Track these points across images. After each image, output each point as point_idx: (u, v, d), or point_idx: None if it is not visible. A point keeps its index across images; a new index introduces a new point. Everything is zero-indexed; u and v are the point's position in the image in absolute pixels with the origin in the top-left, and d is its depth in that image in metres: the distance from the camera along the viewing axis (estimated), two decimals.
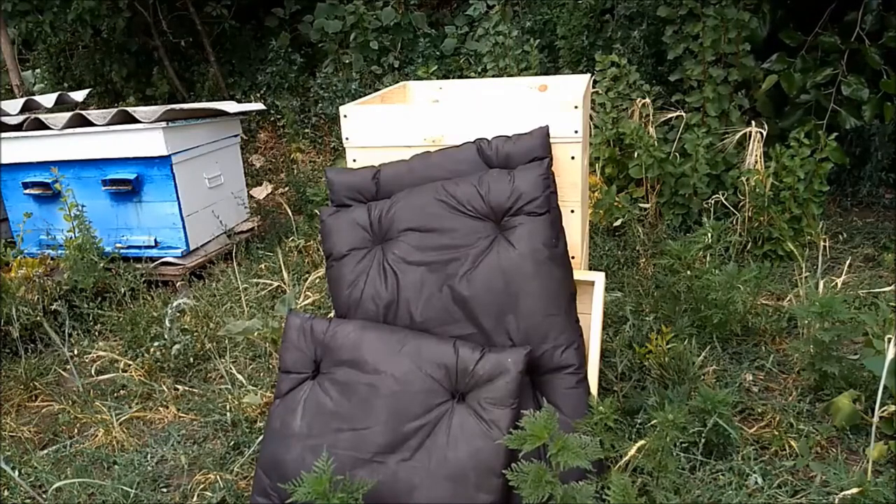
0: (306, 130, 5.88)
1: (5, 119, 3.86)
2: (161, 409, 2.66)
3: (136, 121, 3.62)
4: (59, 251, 3.65)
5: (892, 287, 3.01)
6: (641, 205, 3.80)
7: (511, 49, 4.57)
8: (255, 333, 2.73)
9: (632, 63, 4.15)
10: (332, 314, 2.21)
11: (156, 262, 3.80)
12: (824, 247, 3.24)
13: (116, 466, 2.31)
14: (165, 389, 2.76)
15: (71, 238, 3.51)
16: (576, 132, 2.08)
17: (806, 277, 2.98)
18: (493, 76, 4.61)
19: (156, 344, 2.89)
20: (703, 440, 2.05)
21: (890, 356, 1.87)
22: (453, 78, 5.40)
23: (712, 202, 3.56)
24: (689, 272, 2.88)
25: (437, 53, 5.96)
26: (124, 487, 2.15)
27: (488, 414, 1.75)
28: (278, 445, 1.90)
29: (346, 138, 2.27)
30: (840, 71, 3.74)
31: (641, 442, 1.87)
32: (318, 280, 3.27)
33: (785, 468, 2.04)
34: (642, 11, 4.67)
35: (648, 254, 3.45)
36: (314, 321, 1.99)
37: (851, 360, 2.39)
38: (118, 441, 2.46)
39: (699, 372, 2.47)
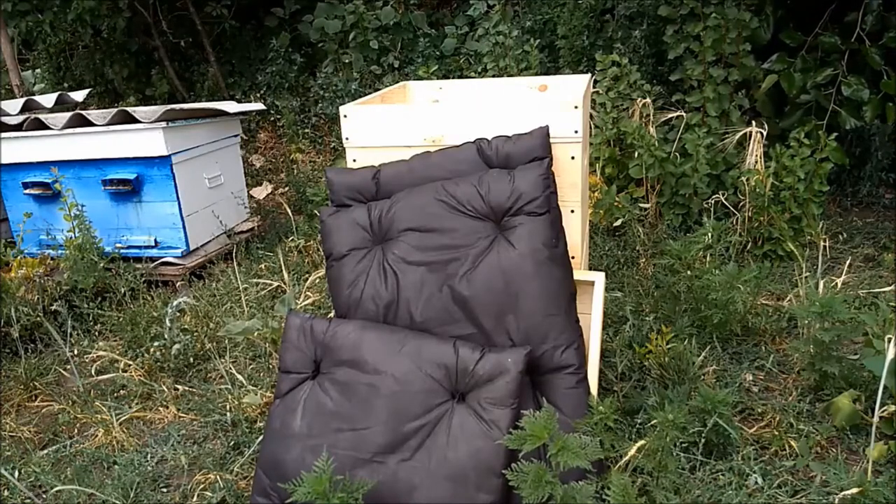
0: (306, 130, 5.88)
1: (5, 119, 3.86)
2: (161, 409, 2.66)
3: (136, 121, 3.62)
4: (59, 251, 3.65)
5: (892, 287, 3.01)
6: (641, 205, 3.80)
7: (511, 49, 4.57)
8: (255, 333, 2.73)
9: (632, 63, 4.15)
10: (332, 314, 2.21)
11: (156, 262, 3.79)
12: (824, 247, 3.24)
13: (116, 466, 2.31)
14: (165, 389, 2.76)
15: (71, 238, 3.51)
16: (576, 132, 2.08)
17: (806, 277, 2.98)
18: (493, 76, 4.61)
19: (156, 344, 2.89)
20: (703, 440, 2.05)
21: (890, 356, 1.87)
22: (453, 78, 5.40)
23: (712, 202, 3.56)
24: (689, 272, 2.88)
25: (437, 53, 5.96)
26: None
27: (488, 414, 1.75)
28: (278, 445, 1.90)
29: (346, 138, 2.27)
30: (840, 71, 3.73)
31: (641, 442, 1.87)
32: (318, 280, 3.27)
33: (785, 468, 2.04)
34: (643, 11, 4.67)
35: (648, 254, 3.45)
36: (314, 321, 1.99)
37: (851, 360, 2.39)
38: (118, 441, 2.46)
39: (699, 372, 2.47)
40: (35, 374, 2.94)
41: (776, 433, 2.16)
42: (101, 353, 3.04)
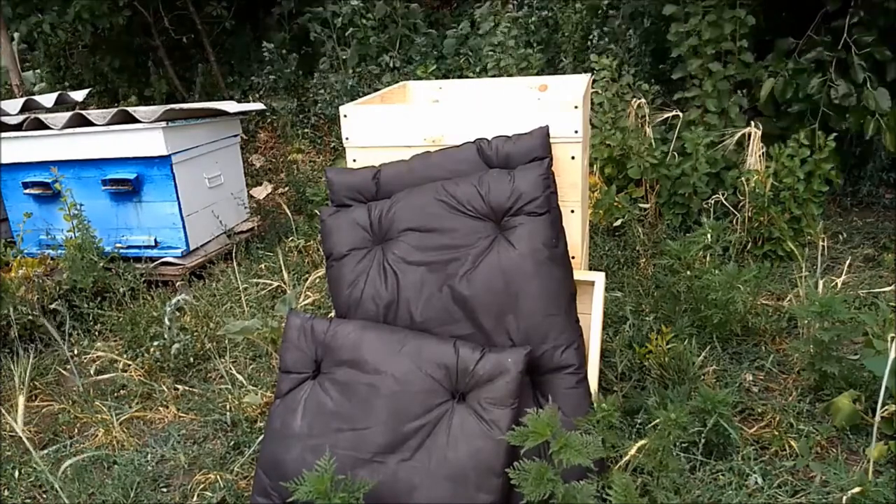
0: (306, 130, 5.87)
1: (5, 119, 3.86)
2: (161, 409, 2.66)
3: (136, 120, 3.61)
4: (59, 251, 3.64)
5: (892, 287, 3.02)
6: (641, 205, 3.80)
7: (511, 49, 4.57)
8: (255, 333, 2.73)
9: (630, 63, 4.14)
10: (332, 314, 2.21)
11: (156, 262, 3.79)
12: (824, 247, 3.24)
13: (116, 466, 2.31)
14: (165, 389, 2.76)
15: (71, 238, 3.50)
16: (576, 132, 2.08)
17: (806, 277, 2.98)
18: (493, 76, 4.61)
19: (156, 344, 2.88)
20: (703, 440, 2.05)
21: (891, 356, 1.87)
22: (453, 78, 5.40)
23: (712, 202, 3.56)
24: (688, 272, 2.88)
25: (437, 53, 5.95)
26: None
27: (488, 414, 1.75)
28: (278, 445, 1.90)
29: (346, 138, 2.27)
30: (828, 77, 3.71)
31: (642, 442, 1.87)
32: (318, 280, 3.27)
33: (785, 468, 2.04)
34: (643, 10, 4.67)
35: (648, 254, 3.45)
36: (314, 321, 1.99)
37: (851, 360, 2.39)
38: (118, 441, 2.46)
39: (699, 372, 2.47)
40: (35, 374, 2.94)
41: (776, 433, 2.16)
42: (100, 352, 3.04)
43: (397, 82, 3.19)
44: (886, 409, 2.06)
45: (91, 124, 3.67)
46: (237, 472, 2.22)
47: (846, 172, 4.10)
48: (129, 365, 2.89)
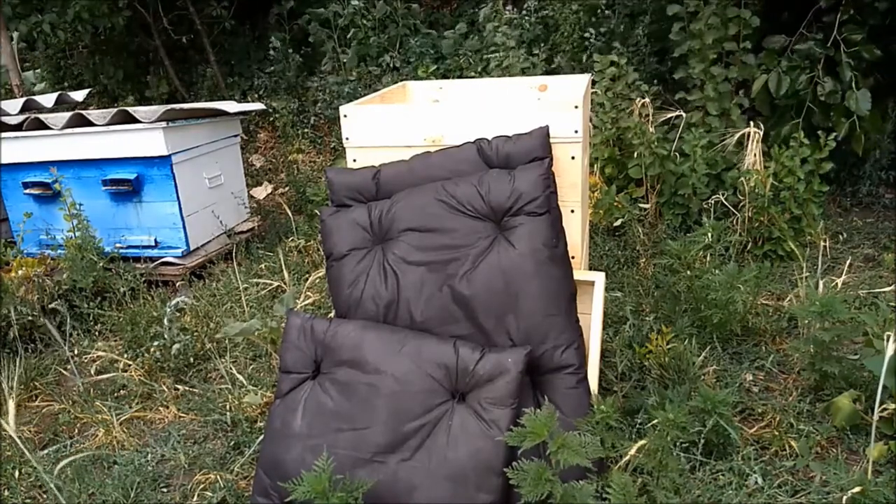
0: (306, 130, 5.87)
1: (5, 119, 3.86)
2: (161, 408, 2.66)
3: (136, 121, 3.61)
4: (59, 251, 3.65)
5: (892, 287, 3.01)
6: (641, 205, 3.80)
7: (511, 49, 4.57)
8: (255, 333, 2.73)
9: (631, 63, 4.14)
10: (332, 314, 2.21)
11: (156, 262, 3.79)
12: (824, 247, 3.24)
13: (116, 466, 2.31)
14: (165, 389, 2.76)
15: (71, 238, 3.51)
16: (576, 132, 2.08)
17: (806, 277, 2.98)
18: (494, 76, 4.60)
19: (156, 344, 2.88)
20: (703, 440, 2.05)
21: (888, 354, 1.87)
22: (453, 78, 5.39)
23: (712, 202, 3.56)
24: (689, 272, 2.88)
25: (437, 53, 5.95)
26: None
27: (488, 414, 1.75)
28: (279, 445, 1.90)
29: (346, 138, 2.27)
30: (816, 74, 3.70)
31: (642, 442, 1.87)
32: (318, 280, 3.27)
33: (785, 468, 2.04)
34: (644, 9, 4.66)
35: (648, 254, 3.45)
36: (314, 321, 1.99)
37: (851, 360, 2.39)
38: (118, 441, 2.46)
39: (699, 372, 2.47)
40: (35, 374, 2.94)
41: (776, 433, 2.16)
42: (101, 352, 3.04)
43: (397, 82, 3.19)
44: (886, 409, 2.06)
45: (91, 124, 3.67)
46: (237, 472, 2.22)
47: (846, 172, 4.10)
48: (130, 365, 2.89)
